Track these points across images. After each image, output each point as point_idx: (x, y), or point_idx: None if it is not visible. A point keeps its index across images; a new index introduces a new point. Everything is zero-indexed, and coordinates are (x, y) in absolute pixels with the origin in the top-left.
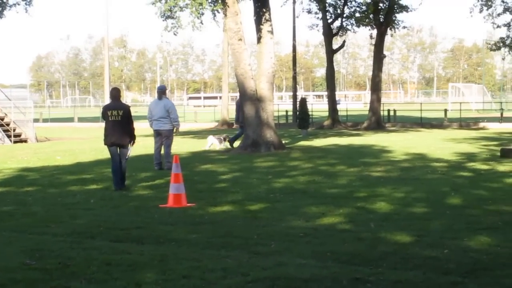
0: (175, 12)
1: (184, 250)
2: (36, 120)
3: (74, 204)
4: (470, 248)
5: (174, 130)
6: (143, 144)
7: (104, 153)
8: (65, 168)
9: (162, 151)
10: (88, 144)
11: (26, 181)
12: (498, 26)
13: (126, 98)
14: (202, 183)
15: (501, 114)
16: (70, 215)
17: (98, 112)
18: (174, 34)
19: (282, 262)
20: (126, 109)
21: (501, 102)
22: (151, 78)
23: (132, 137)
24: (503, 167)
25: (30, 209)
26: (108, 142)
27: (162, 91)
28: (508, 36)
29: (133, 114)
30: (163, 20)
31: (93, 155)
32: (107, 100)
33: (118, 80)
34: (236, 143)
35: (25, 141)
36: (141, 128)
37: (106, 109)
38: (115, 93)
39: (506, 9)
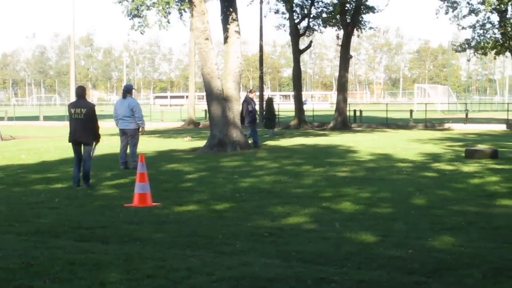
0: (142, 11)
1: (149, 249)
2: (1, 119)
3: (39, 203)
4: (434, 248)
5: (140, 130)
6: (108, 143)
7: (69, 151)
8: (30, 167)
9: (128, 150)
10: (53, 143)
11: None
12: (463, 28)
13: (92, 97)
14: (167, 183)
15: (466, 115)
16: (34, 214)
17: (63, 111)
18: (141, 33)
19: (247, 261)
20: (89, 108)
21: (466, 103)
22: (117, 77)
23: (96, 136)
24: (467, 168)
25: None
26: (71, 139)
27: (127, 90)
28: (473, 38)
29: (99, 113)
30: (130, 19)
31: (58, 154)
32: (73, 99)
33: (84, 79)
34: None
35: None
36: (107, 127)
37: (69, 107)
38: (80, 92)
39: (471, 11)
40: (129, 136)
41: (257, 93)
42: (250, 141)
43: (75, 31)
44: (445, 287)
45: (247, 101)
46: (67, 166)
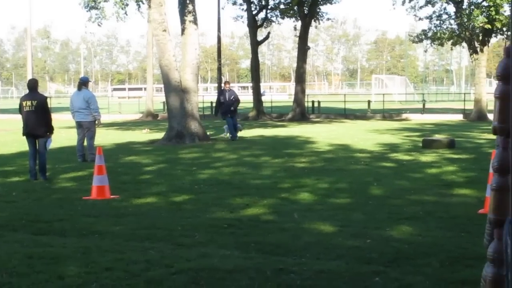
0: (99, 2)
1: (108, 242)
2: None
3: None
4: (392, 237)
5: (96, 122)
6: (66, 135)
7: (26, 145)
8: None
9: (85, 143)
10: (10, 136)
11: None
12: (420, 19)
13: (50, 89)
14: (126, 175)
15: (423, 105)
16: None
17: None
18: (98, 25)
19: (206, 253)
20: (41, 99)
21: (423, 94)
22: (75, 69)
23: (49, 128)
24: (425, 158)
25: None
26: (25, 132)
27: (82, 83)
28: (429, 29)
29: (56, 105)
30: (87, 11)
31: (15, 147)
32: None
33: (41, 71)
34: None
35: None
36: (64, 119)
37: (21, 99)
38: (32, 84)
39: (428, 2)
40: (86, 128)
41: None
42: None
43: (32, 23)
44: (403, 276)
45: (220, 93)
46: (24, 159)
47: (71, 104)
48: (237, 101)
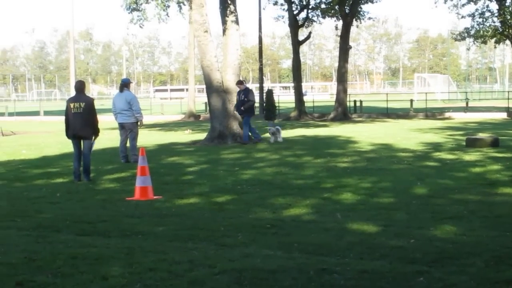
0: (141, 4)
1: (151, 242)
2: (1, 114)
3: (40, 198)
4: (436, 237)
5: (138, 123)
6: (108, 137)
7: (70, 146)
8: (31, 162)
9: (128, 144)
10: (53, 138)
11: None
12: (462, 17)
13: (92, 91)
14: (168, 176)
15: (466, 103)
16: (35, 209)
17: (64, 106)
18: (140, 26)
19: (249, 253)
20: (88, 102)
21: (466, 92)
22: (117, 71)
23: (95, 130)
24: (468, 157)
25: None
26: (70, 134)
27: (124, 84)
28: (472, 26)
29: (98, 107)
30: (129, 13)
31: (58, 149)
32: (73, 93)
33: (84, 73)
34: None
35: None
36: (107, 121)
37: (68, 101)
38: (79, 86)
39: (470, 0)
40: (128, 129)
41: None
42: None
43: (74, 26)
44: (447, 276)
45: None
46: (68, 160)
47: (113, 106)
48: (248, 101)
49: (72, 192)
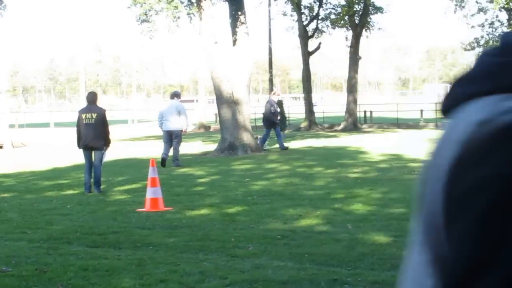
0: (151, 15)
1: (162, 254)
2: (12, 126)
3: (51, 210)
4: None
5: (183, 130)
6: (120, 148)
7: (81, 158)
8: (41, 174)
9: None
10: (64, 149)
11: (2, 187)
12: (472, 27)
13: (103, 102)
14: (179, 187)
15: None
16: (46, 221)
17: (74, 117)
18: (150, 38)
19: (260, 264)
20: (100, 113)
21: None
22: (127, 82)
23: (106, 141)
24: None
25: (6, 215)
26: (82, 145)
27: (174, 94)
28: (482, 36)
29: (109, 118)
30: (139, 24)
31: (69, 160)
32: (83, 105)
33: (94, 85)
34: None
35: (1, 147)
36: (118, 132)
37: (80, 112)
38: (91, 97)
39: (480, 10)
40: (174, 136)
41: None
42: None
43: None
44: None
45: (271, 103)
46: (78, 172)
47: (160, 114)
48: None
49: (83, 203)
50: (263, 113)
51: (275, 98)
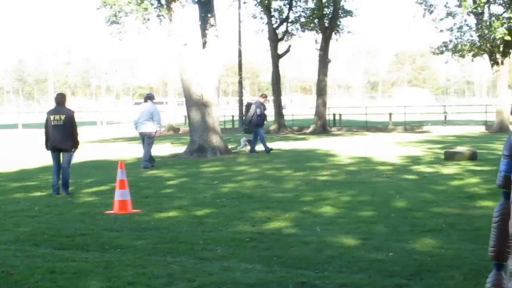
0: (120, 17)
1: (130, 256)
2: None
3: (18, 212)
4: (415, 250)
5: (156, 132)
6: (88, 150)
7: (49, 159)
8: (9, 175)
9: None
10: (32, 151)
11: None
12: (441, 31)
13: (72, 104)
14: (148, 189)
15: (445, 117)
16: (13, 223)
17: (43, 118)
18: (120, 39)
19: (228, 267)
20: (69, 114)
21: (444, 106)
22: (96, 84)
23: (74, 143)
24: (447, 170)
25: None
26: (50, 146)
27: (148, 97)
28: (450, 41)
29: (78, 120)
30: (108, 26)
31: (37, 162)
32: (52, 106)
33: (63, 86)
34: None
35: None
36: (87, 134)
37: (48, 113)
38: (60, 98)
39: (448, 14)
40: (147, 138)
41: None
42: (258, 148)
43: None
44: None
45: (257, 105)
46: (46, 174)
47: (136, 117)
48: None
49: (50, 205)
50: (249, 115)
51: (262, 100)
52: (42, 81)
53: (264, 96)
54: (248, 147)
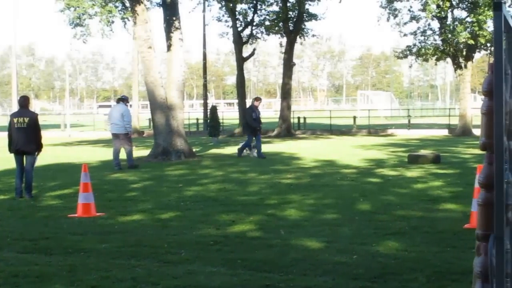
0: (84, 20)
1: (93, 260)
2: None
3: None
4: (379, 253)
5: (128, 133)
6: (51, 153)
7: (11, 162)
8: None
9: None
10: None
11: None
12: (405, 35)
13: (35, 106)
14: (112, 192)
15: (409, 121)
16: None
17: (5, 121)
18: (84, 42)
19: (193, 270)
20: (32, 117)
21: (408, 109)
22: (60, 87)
23: (38, 146)
24: (410, 173)
25: None
26: (13, 149)
27: (120, 99)
28: (414, 44)
29: (41, 122)
30: (72, 28)
31: (0, 165)
32: (15, 109)
33: (26, 89)
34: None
35: None
36: (50, 137)
37: (12, 116)
38: (23, 101)
39: (412, 18)
40: (122, 139)
41: (201, 101)
42: (249, 153)
43: (17, 41)
44: None
45: (252, 109)
46: (9, 177)
47: (109, 117)
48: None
49: (13, 209)
50: (249, 120)
51: (256, 104)
52: (5, 83)
53: (258, 99)
54: (255, 153)
